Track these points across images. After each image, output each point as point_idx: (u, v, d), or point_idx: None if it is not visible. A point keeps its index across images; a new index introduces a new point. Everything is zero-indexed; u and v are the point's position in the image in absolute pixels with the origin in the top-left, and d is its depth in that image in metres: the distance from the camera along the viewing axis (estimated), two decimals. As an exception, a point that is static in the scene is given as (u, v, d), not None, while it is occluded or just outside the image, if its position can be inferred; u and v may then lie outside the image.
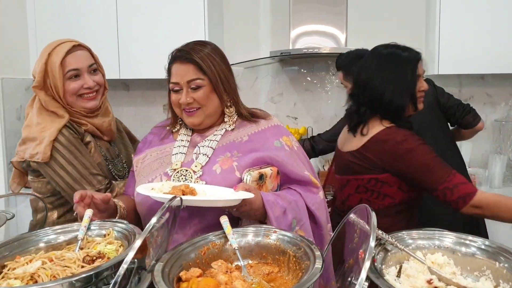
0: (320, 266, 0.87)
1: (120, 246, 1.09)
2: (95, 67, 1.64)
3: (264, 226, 1.12)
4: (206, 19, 2.87)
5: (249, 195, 1.18)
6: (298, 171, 1.39)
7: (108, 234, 1.15)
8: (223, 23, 3.24)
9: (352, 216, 1.02)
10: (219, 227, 1.14)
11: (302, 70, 3.19)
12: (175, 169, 1.39)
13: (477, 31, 2.61)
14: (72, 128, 1.56)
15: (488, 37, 2.60)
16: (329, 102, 3.19)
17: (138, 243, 0.82)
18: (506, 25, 2.57)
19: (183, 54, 1.39)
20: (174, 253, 0.98)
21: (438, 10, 2.64)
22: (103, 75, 1.70)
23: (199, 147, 1.41)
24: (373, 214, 0.85)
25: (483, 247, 0.99)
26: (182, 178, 1.36)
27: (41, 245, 1.11)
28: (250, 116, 1.46)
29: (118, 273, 0.79)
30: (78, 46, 1.62)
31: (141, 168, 1.46)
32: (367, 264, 0.74)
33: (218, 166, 1.36)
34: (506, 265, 0.93)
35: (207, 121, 1.43)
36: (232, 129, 1.44)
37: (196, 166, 1.37)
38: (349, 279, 0.90)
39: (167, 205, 0.93)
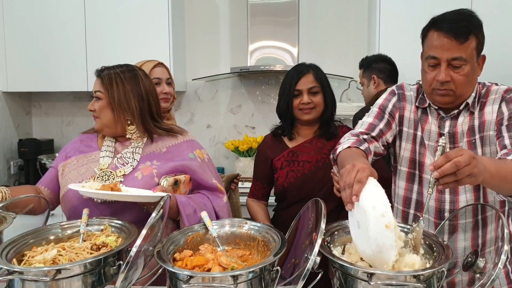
0: (284, 245, 1.14)
1: (118, 238, 1.31)
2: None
3: (238, 219, 1.38)
4: (171, 36, 3.10)
5: (163, 194, 1.43)
6: (207, 179, 1.67)
7: (105, 229, 1.37)
8: (185, 40, 3.47)
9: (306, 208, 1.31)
10: (138, 223, 1.38)
11: (259, 83, 3.47)
12: (101, 169, 1.62)
13: (411, 48, 2.97)
14: None
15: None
16: (284, 113, 3.49)
17: (144, 232, 1.05)
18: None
19: (98, 70, 1.67)
20: (167, 240, 1.22)
21: (377, 30, 2.99)
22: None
23: (122, 155, 1.65)
24: (323, 205, 1.13)
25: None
26: (105, 178, 1.59)
27: (51, 237, 1.32)
28: (166, 132, 1.69)
29: (129, 254, 1.02)
30: None
31: (67, 172, 1.65)
32: (319, 241, 1.01)
33: (140, 173, 1.60)
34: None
35: (106, 130, 1.65)
36: (152, 142, 1.67)
37: (120, 171, 1.61)
38: (305, 255, 1.17)
39: (162, 203, 1.17)
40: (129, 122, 1.63)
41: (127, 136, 1.66)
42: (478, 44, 1.37)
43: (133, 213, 1.54)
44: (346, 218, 1.22)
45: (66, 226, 1.37)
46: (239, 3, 3.40)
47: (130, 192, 1.48)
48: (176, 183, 1.59)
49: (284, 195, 1.96)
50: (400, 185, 1.56)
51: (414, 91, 1.58)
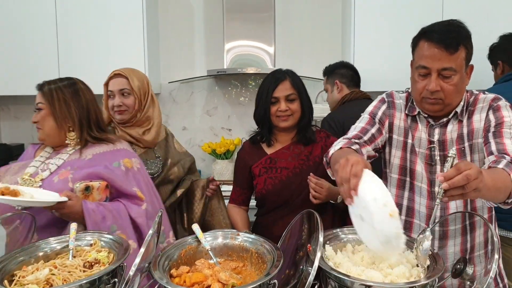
0: (282, 260, 1.15)
1: (108, 253, 1.29)
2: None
3: (231, 230, 1.38)
4: (145, 38, 3.05)
5: (60, 198, 1.49)
6: (126, 187, 1.70)
7: (95, 243, 1.35)
8: (159, 42, 3.43)
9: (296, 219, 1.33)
10: (53, 225, 1.48)
11: (235, 85, 3.47)
12: (23, 178, 1.67)
13: (386, 55, 3.04)
14: None
15: (396, 59, 3.03)
16: (260, 115, 3.50)
17: (142, 250, 1.04)
18: (408, 49, 3.01)
19: (40, 84, 1.75)
20: (161, 255, 1.21)
21: (352, 37, 3.05)
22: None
23: (47, 163, 1.71)
24: (319, 218, 1.15)
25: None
26: (24, 185, 1.64)
27: (40, 254, 1.29)
28: (99, 140, 1.76)
29: (129, 274, 1.01)
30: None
31: (3, 177, 1.72)
32: (318, 254, 1.03)
33: (57, 177, 1.66)
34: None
35: (49, 140, 1.74)
36: (80, 149, 1.73)
37: (39, 177, 1.66)
38: (301, 267, 1.19)
39: (157, 219, 1.17)
40: (70, 129, 1.73)
41: (66, 142, 1.74)
42: (467, 55, 1.42)
43: (48, 214, 1.58)
44: (327, 222, 1.23)
45: (53, 242, 1.34)
46: (214, 2, 3.39)
47: (33, 195, 1.50)
48: (87, 188, 1.63)
49: (263, 201, 1.97)
50: (391, 191, 1.60)
51: (404, 99, 1.61)
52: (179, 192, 2.15)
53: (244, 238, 1.32)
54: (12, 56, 3.05)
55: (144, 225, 1.71)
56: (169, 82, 3.37)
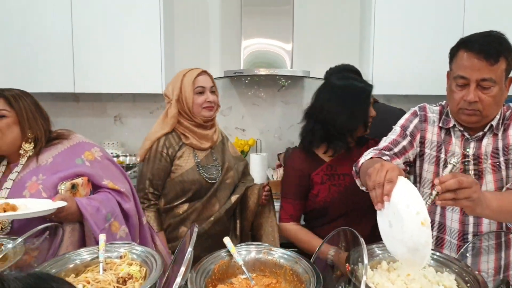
0: (321, 281, 1.12)
1: (141, 267, 1.27)
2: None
3: (264, 244, 1.35)
4: (162, 39, 3.02)
5: (61, 204, 1.49)
6: (98, 180, 1.73)
7: (125, 256, 1.32)
8: (174, 42, 3.39)
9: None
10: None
11: (250, 85, 3.43)
12: None
13: (405, 58, 3.00)
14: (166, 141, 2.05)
15: (415, 63, 3.00)
16: (274, 116, 3.47)
17: (182, 270, 1.02)
18: (429, 53, 2.98)
19: None
20: (197, 271, 1.19)
21: (372, 37, 3.01)
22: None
23: (8, 178, 1.65)
24: (361, 238, 1.12)
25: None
26: None
27: (70, 266, 1.26)
28: (52, 140, 1.73)
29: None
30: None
31: None
32: (364, 278, 1.00)
33: (27, 191, 1.62)
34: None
35: (4, 148, 1.66)
36: (36, 154, 1.68)
37: (0, 199, 1.58)
38: (339, 287, 1.16)
39: (194, 236, 1.14)
40: (29, 140, 1.68)
41: (20, 152, 1.68)
42: (507, 66, 1.39)
43: (37, 223, 1.49)
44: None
45: (84, 253, 1.31)
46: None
47: (26, 205, 1.49)
48: (73, 187, 1.65)
49: (325, 211, 1.88)
50: None
51: (437, 112, 1.59)
52: (233, 198, 2.13)
53: (279, 254, 1.30)
54: (26, 54, 3.01)
55: (132, 210, 1.78)
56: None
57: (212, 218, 2.07)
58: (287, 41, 3.13)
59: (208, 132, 2.12)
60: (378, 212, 1.17)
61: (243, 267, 1.27)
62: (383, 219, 1.17)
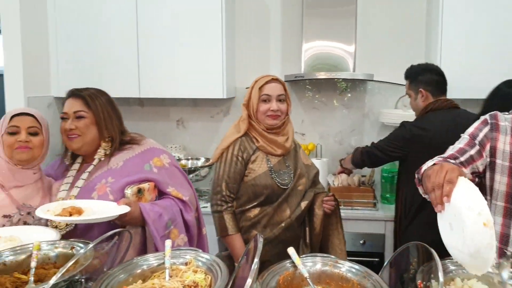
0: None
1: (205, 275, 1.27)
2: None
3: (329, 256, 1.31)
4: (224, 41, 3.04)
5: (124, 210, 1.54)
6: (164, 187, 1.77)
7: (190, 263, 1.33)
8: (235, 44, 3.41)
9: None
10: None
11: (310, 89, 3.39)
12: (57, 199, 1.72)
13: (475, 60, 2.84)
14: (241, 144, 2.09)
15: (486, 65, 2.82)
16: (334, 120, 3.41)
17: (249, 281, 1.00)
18: (503, 55, 2.80)
19: (73, 91, 1.82)
20: (262, 282, 1.17)
21: (439, 38, 2.87)
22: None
23: (80, 179, 1.74)
24: (435, 253, 1.06)
25: None
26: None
27: (137, 271, 1.29)
28: (125, 143, 1.80)
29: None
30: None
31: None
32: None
33: (95, 193, 1.70)
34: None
35: (85, 148, 1.75)
36: (109, 156, 1.76)
37: (70, 198, 1.70)
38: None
39: (260, 246, 1.12)
40: (107, 139, 1.76)
41: (99, 152, 1.75)
42: None
43: (102, 228, 1.63)
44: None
45: (151, 258, 1.33)
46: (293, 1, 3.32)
47: (92, 208, 1.56)
48: (139, 191, 1.69)
49: None
50: (496, 220, 1.48)
51: (510, 121, 1.49)
52: (303, 204, 2.13)
53: (347, 268, 1.25)
54: (92, 58, 3.14)
55: (192, 221, 1.81)
56: (246, 88, 3.33)
57: (283, 224, 2.08)
58: (349, 43, 3.06)
59: (278, 139, 2.12)
60: (438, 214, 1.15)
61: (308, 280, 1.24)
62: (443, 222, 1.14)
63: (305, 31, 3.11)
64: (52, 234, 1.58)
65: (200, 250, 1.36)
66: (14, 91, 2.93)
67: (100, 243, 1.32)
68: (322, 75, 2.98)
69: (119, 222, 1.60)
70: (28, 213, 1.71)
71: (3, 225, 1.66)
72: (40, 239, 1.39)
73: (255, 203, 2.08)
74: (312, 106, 3.42)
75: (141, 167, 1.75)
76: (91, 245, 1.18)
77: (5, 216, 1.67)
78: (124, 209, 1.56)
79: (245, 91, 3.37)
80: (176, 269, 1.31)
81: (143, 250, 1.70)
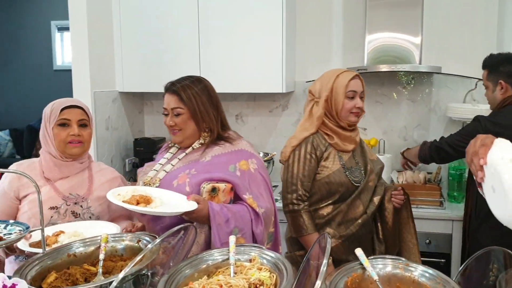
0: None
1: (270, 273, 1.24)
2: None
3: (401, 259, 1.25)
4: (284, 35, 3.00)
5: (192, 207, 1.54)
6: (241, 192, 1.72)
7: (254, 260, 1.31)
8: (296, 36, 3.35)
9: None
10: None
11: (373, 81, 3.28)
12: (144, 182, 1.78)
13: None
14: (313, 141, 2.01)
15: None
16: (399, 115, 3.28)
17: (318, 283, 0.96)
18: None
19: (169, 86, 1.81)
20: (329, 285, 1.13)
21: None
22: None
23: (169, 164, 1.80)
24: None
25: None
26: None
27: (203, 266, 1.28)
28: (219, 140, 1.79)
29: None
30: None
31: (139, 178, 1.86)
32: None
33: (176, 181, 1.72)
34: None
35: (186, 141, 1.80)
36: (199, 148, 1.79)
37: (155, 179, 1.76)
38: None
39: (328, 247, 1.08)
40: (206, 130, 1.79)
41: (200, 141, 1.79)
42: None
43: (167, 219, 1.66)
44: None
45: (216, 254, 1.32)
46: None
47: (161, 198, 1.59)
48: (213, 190, 1.66)
49: None
50: None
51: None
52: (376, 199, 2.09)
53: (420, 272, 1.18)
54: (155, 54, 3.20)
55: (261, 235, 1.74)
56: (306, 82, 3.29)
57: (359, 221, 2.02)
58: (415, 34, 2.93)
59: (351, 134, 2.06)
60: (482, 184, 1.12)
61: (378, 282, 1.18)
62: (487, 188, 1.10)
63: (369, 22, 3.00)
64: (113, 228, 1.62)
65: (265, 248, 1.34)
66: (81, 86, 3.04)
67: (166, 237, 1.33)
68: (386, 67, 2.87)
69: (186, 217, 1.60)
70: (75, 203, 1.75)
71: (51, 217, 1.70)
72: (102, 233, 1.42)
73: (329, 201, 2.02)
74: (374, 99, 3.31)
75: (226, 167, 1.72)
76: (158, 240, 1.19)
77: (52, 208, 1.71)
78: (190, 206, 1.56)
79: (305, 85, 3.36)
80: (240, 265, 1.30)
81: (207, 248, 1.69)
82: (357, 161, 2.09)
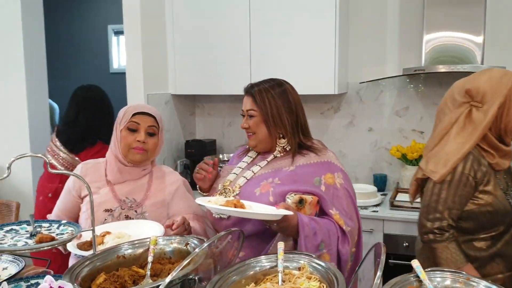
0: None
1: (320, 283, 1.19)
2: None
3: (462, 273, 1.16)
4: (337, 35, 2.93)
5: (289, 212, 1.45)
6: (327, 206, 1.62)
7: (303, 268, 1.27)
8: (349, 36, 3.27)
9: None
10: (254, 236, 1.58)
11: (430, 83, 3.14)
12: (224, 185, 1.72)
13: None
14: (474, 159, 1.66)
15: None
16: (458, 117, 3.11)
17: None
18: None
19: (248, 88, 1.77)
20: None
21: None
22: None
23: (249, 170, 1.72)
24: None
25: None
26: (223, 194, 1.69)
27: (250, 273, 1.25)
28: (302, 148, 1.70)
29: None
30: None
31: (217, 181, 1.80)
32: None
33: (259, 189, 1.65)
34: None
35: (260, 145, 1.73)
36: (282, 156, 1.70)
37: (235, 186, 1.69)
38: None
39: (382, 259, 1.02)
40: (281, 136, 1.70)
41: (277, 149, 1.72)
42: None
43: (253, 226, 1.61)
44: None
45: (264, 260, 1.29)
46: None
47: (253, 210, 1.49)
48: (301, 201, 1.58)
49: None
50: None
51: None
52: None
53: (481, 287, 1.10)
54: (207, 57, 3.22)
55: (346, 254, 1.63)
56: (360, 83, 3.20)
57: None
58: (477, 33, 2.77)
59: (509, 149, 1.74)
60: None
61: (436, 297, 1.10)
62: None
63: (427, 21, 2.87)
64: (157, 228, 1.61)
65: (315, 256, 1.29)
66: (135, 89, 3.11)
67: (214, 242, 1.31)
68: (445, 68, 2.73)
69: (274, 227, 1.51)
70: (130, 207, 1.76)
71: (105, 219, 1.72)
72: (149, 234, 1.42)
73: (491, 233, 1.70)
74: (432, 101, 3.16)
75: (311, 179, 1.63)
76: (205, 244, 1.17)
77: (106, 210, 1.74)
78: (287, 211, 1.46)
79: (358, 86, 3.27)
80: (289, 273, 1.26)
81: None
82: (506, 180, 1.76)
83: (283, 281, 1.21)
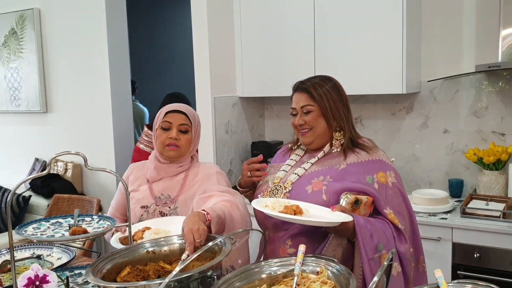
0: None
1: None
2: None
3: (490, 285, 1.05)
4: (404, 33, 2.79)
5: (348, 218, 1.41)
6: (381, 206, 1.58)
7: (321, 272, 1.23)
8: (421, 32, 3.10)
9: None
10: (304, 235, 1.57)
11: (507, 80, 2.87)
12: (274, 183, 1.69)
13: None
14: None
15: None
16: (548, 117, 2.81)
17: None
18: None
19: (298, 84, 1.72)
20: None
21: None
22: None
23: (300, 167, 1.68)
24: None
25: None
26: (274, 192, 1.66)
27: (263, 276, 1.25)
28: (353, 145, 1.66)
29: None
30: None
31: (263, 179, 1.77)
32: None
33: (310, 187, 1.62)
34: None
35: (317, 141, 1.68)
36: (332, 154, 1.67)
37: (287, 183, 1.66)
38: None
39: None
40: (337, 129, 1.68)
41: (334, 143, 1.69)
42: None
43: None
44: None
45: (279, 263, 1.27)
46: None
47: (308, 210, 1.47)
48: (356, 202, 1.55)
49: None
50: None
51: None
52: None
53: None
54: (275, 60, 3.23)
55: (406, 253, 1.57)
56: (428, 81, 3.02)
57: None
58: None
59: None
60: None
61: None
62: None
63: (504, 17, 2.63)
64: None
65: (334, 260, 1.24)
66: (202, 92, 3.22)
67: (234, 240, 1.32)
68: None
69: (331, 230, 1.50)
70: (164, 203, 1.83)
71: (141, 215, 1.81)
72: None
73: None
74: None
75: (363, 177, 1.60)
76: (207, 245, 1.18)
77: (143, 207, 1.83)
78: (347, 217, 1.43)
79: (432, 85, 3.08)
80: (306, 277, 1.23)
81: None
82: None
83: (298, 284, 1.19)
